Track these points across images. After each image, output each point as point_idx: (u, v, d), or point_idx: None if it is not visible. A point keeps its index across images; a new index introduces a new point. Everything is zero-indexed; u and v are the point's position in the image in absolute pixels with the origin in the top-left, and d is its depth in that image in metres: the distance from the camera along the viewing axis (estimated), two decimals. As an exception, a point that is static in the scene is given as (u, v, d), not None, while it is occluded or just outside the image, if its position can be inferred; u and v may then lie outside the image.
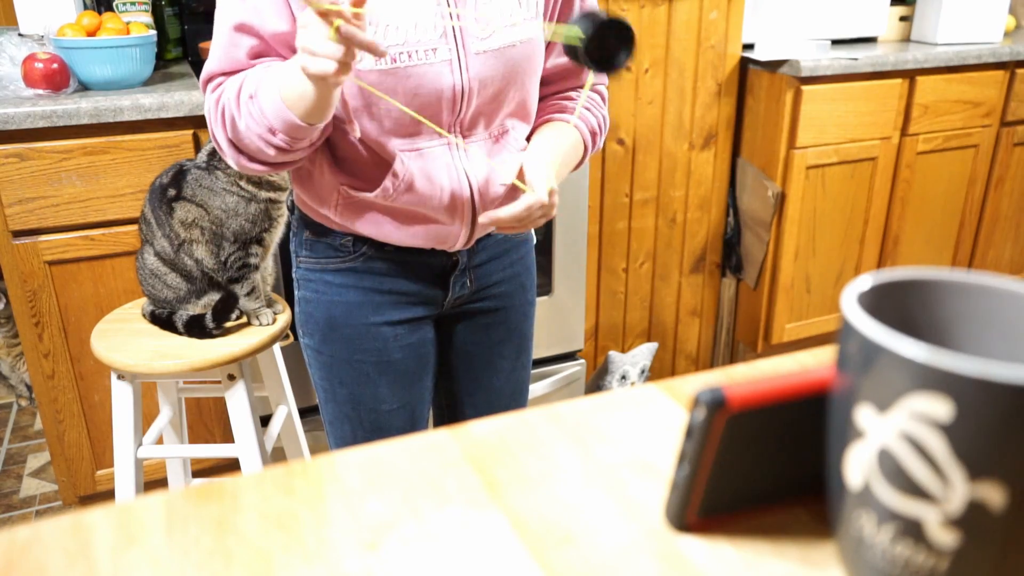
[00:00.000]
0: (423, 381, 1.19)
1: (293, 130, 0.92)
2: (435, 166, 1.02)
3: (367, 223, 1.06)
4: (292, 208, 1.16)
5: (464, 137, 1.03)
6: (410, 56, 0.95)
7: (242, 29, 0.95)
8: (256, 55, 0.96)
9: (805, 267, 2.45)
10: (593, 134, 1.14)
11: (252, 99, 0.93)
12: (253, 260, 1.48)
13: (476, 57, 0.98)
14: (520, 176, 1.01)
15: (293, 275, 1.16)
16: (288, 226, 1.40)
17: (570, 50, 0.91)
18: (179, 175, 1.45)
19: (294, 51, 0.96)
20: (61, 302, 1.71)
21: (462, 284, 1.16)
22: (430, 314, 1.17)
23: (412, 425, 1.20)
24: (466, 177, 1.04)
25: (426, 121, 0.99)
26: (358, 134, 0.97)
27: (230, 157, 0.99)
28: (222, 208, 1.43)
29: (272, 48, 0.96)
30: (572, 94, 1.15)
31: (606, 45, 0.90)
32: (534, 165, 1.00)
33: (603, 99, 1.18)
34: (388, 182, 1.01)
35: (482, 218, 0.98)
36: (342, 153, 1.03)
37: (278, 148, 0.94)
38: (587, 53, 0.89)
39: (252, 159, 0.98)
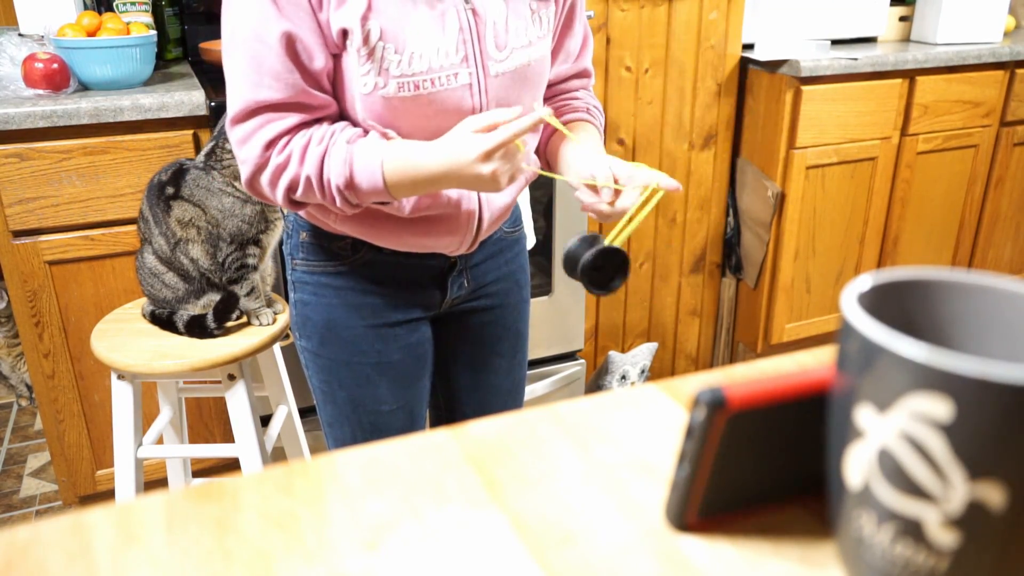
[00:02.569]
0: (421, 381, 1.20)
1: (382, 200, 0.98)
2: None
3: (369, 229, 1.06)
4: (283, 212, 1.16)
5: None
6: (433, 83, 0.96)
7: (292, 49, 0.91)
8: (309, 82, 0.94)
9: (805, 267, 2.45)
10: (603, 127, 1.19)
11: (349, 189, 0.94)
12: (251, 261, 1.48)
13: (494, 79, 0.99)
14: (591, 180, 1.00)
15: (288, 277, 1.16)
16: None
17: (569, 265, 0.97)
18: (178, 174, 1.45)
19: (330, 80, 0.96)
20: (61, 302, 1.71)
21: (460, 284, 1.16)
22: (428, 314, 1.17)
23: (411, 425, 1.20)
24: None
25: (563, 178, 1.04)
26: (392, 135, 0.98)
27: (279, 202, 0.99)
28: (219, 209, 1.43)
29: (315, 77, 0.94)
30: (577, 94, 1.18)
31: (604, 269, 0.97)
32: (611, 164, 0.99)
33: (593, 96, 1.22)
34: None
35: (607, 208, 0.98)
36: None
37: (347, 212, 1.00)
38: (586, 275, 0.96)
39: (296, 206, 1.01)
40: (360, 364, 1.13)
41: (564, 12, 1.08)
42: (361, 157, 0.93)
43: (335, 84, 0.98)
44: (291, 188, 0.96)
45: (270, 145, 0.94)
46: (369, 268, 1.10)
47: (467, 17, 0.96)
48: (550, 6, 1.03)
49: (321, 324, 1.13)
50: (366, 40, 0.92)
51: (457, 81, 0.96)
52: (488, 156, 0.89)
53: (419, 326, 1.16)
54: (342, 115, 1.00)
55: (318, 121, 0.97)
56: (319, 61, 0.93)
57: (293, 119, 0.94)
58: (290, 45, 0.91)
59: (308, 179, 0.94)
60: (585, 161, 1.01)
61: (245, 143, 0.95)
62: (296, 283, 1.14)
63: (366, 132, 0.98)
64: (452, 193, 1.04)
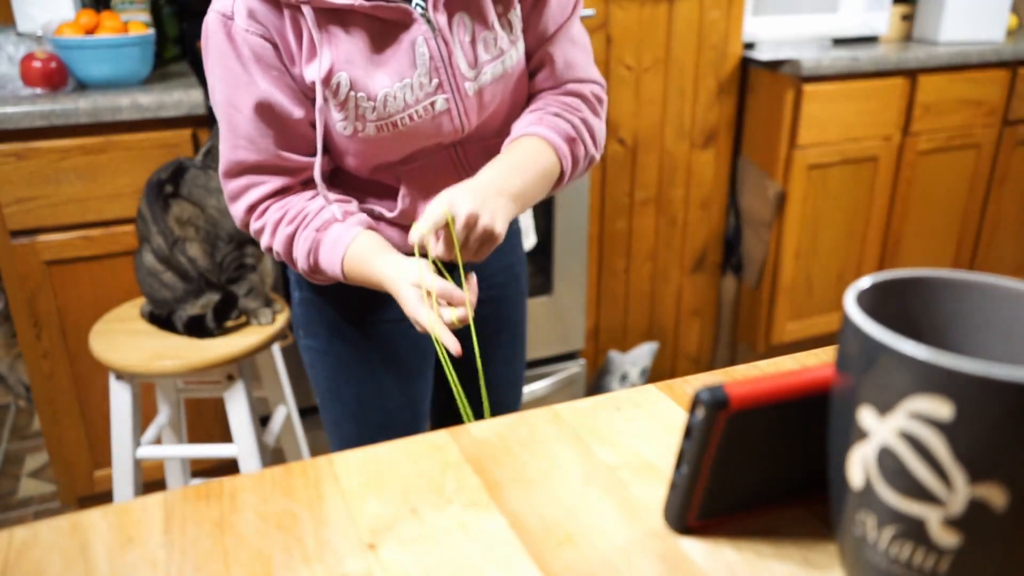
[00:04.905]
0: (425, 376, 1.20)
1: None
2: (439, 175, 1.03)
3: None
4: None
5: (463, 145, 1.03)
6: (411, 119, 0.96)
7: (265, 115, 0.93)
8: (282, 145, 0.96)
9: (806, 267, 2.45)
10: (570, 140, 1.01)
11: (313, 271, 0.99)
12: (249, 261, 1.48)
13: (472, 98, 0.98)
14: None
15: (290, 276, 1.16)
16: None
17: None
18: (177, 172, 1.45)
19: (311, 132, 0.97)
20: (59, 302, 1.71)
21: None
22: None
23: (415, 421, 1.20)
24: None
25: None
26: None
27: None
28: (217, 208, 1.43)
29: (293, 135, 0.96)
30: (556, 105, 1.05)
31: None
32: (450, 197, 0.90)
33: (587, 103, 1.06)
34: (399, 203, 1.02)
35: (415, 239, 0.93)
36: (343, 178, 1.04)
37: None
38: None
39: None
40: (367, 361, 1.14)
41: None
42: (325, 251, 0.97)
43: (324, 127, 0.98)
44: (268, 250, 1.02)
45: (250, 210, 0.99)
46: None
47: (436, 44, 0.94)
48: (515, 8, 1.00)
49: (327, 322, 1.13)
50: (336, 92, 0.92)
51: (435, 110, 0.96)
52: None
53: None
54: (333, 157, 1.01)
55: (301, 184, 1.00)
56: (297, 114, 0.95)
57: (273, 183, 0.98)
58: (263, 112, 0.93)
59: (278, 252, 1.00)
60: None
61: (233, 202, 1.00)
62: (300, 281, 1.14)
63: (338, 212, 0.99)
64: (446, 183, 1.03)
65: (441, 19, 0.94)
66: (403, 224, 1.05)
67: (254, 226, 1.00)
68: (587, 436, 0.63)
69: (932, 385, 0.39)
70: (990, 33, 2.45)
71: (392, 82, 0.93)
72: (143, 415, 1.74)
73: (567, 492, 0.57)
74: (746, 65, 2.35)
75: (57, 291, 1.70)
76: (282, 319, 1.53)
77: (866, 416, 0.42)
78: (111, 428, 1.53)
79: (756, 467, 0.52)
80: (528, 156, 0.98)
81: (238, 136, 0.95)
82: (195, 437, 1.90)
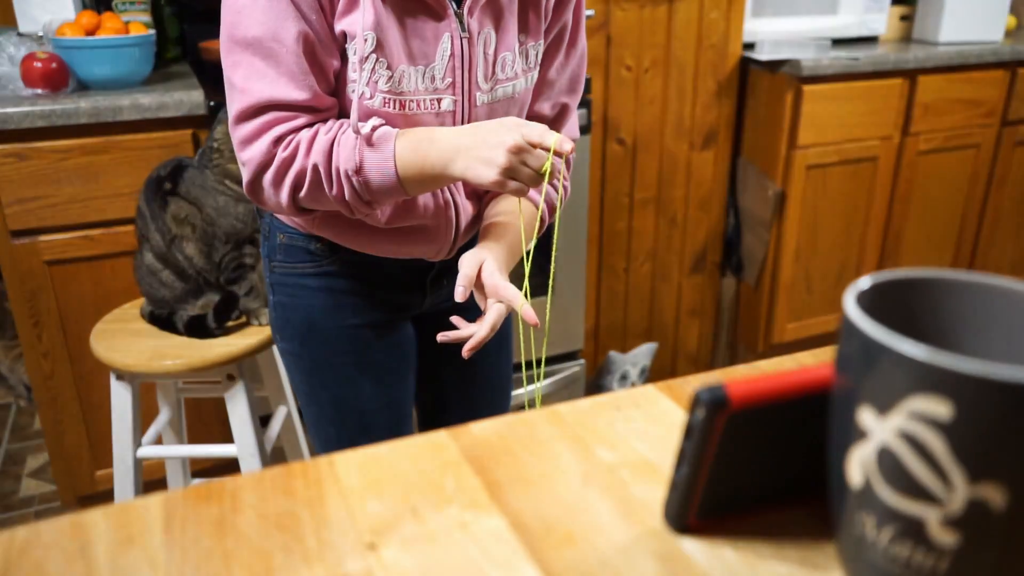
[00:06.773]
0: (406, 379, 1.19)
1: (392, 199, 0.95)
2: None
3: (345, 235, 1.05)
4: (261, 213, 1.13)
5: None
6: (418, 105, 0.96)
7: (309, 51, 0.90)
8: (326, 86, 0.93)
9: (806, 267, 2.45)
10: (553, 210, 1.11)
11: (357, 174, 0.91)
12: (248, 260, 1.48)
13: (479, 108, 1.00)
14: (480, 286, 0.99)
15: (267, 280, 1.15)
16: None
17: None
18: (177, 170, 1.45)
19: (342, 85, 0.95)
20: (60, 302, 1.71)
21: (440, 285, 1.16)
22: (409, 314, 1.17)
23: (397, 424, 1.19)
24: (449, 193, 1.05)
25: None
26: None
27: (283, 204, 0.96)
28: (213, 207, 1.43)
29: (324, 80, 0.93)
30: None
31: None
32: (496, 283, 0.98)
33: (568, 165, 1.14)
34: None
35: (453, 336, 0.99)
36: None
37: (358, 212, 0.96)
38: None
39: (302, 212, 0.99)
40: (342, 364, 1.13)
41: (551, 41, 1.06)
42: (376, 137, 0.91)
43: (337, 81, 0.98)
44: (297, 184, 0.93)
45: (278, 141, 0.91)
46: (348, 269, 1.09)
47: (461, 44, 0.95)
48: (539, 42, 1.03)
49: (301, 325, 1.12)
50: (361, 49, 0.92)
51: (441, 107, 0.97)
52: (519, 151, 0.87)
53: (401, 325, 1.16)
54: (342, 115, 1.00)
55: (323, 121, 0.95)
56: (332, 61, 0.93)
57: (301, 119, 0.92)
58: (308, 46, 0.90)
59: (315, 168, 0.91)
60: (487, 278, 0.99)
61: (250, 142, 0.92)
62: (275, 285, 1.13)
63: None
64: (429, 204, 1.04)
65: (474, 25, 0.96)
66: (377, 228, 1.05)
67: (283, 155, 0.91)
68: (587, 436, 0.63)
69: (932, 385, 0.39)
70: (989, 34, 2.45)
71: (411, 62, 0.94)
72: (143, 415, 1.74)
73: (567, 492, 0.57)
74: (746, 65, 2.35)
75: (58, 291, 1.70)
76: (282, 319, 1.53)
77: (865, 416, 0.43)
78: (112, 428, 1.53)
79: (756, 467, 0.52)
80: (516, 236, 1.05)
81: (280, 72, 0.90)
82: (195, 437, 1.90)
